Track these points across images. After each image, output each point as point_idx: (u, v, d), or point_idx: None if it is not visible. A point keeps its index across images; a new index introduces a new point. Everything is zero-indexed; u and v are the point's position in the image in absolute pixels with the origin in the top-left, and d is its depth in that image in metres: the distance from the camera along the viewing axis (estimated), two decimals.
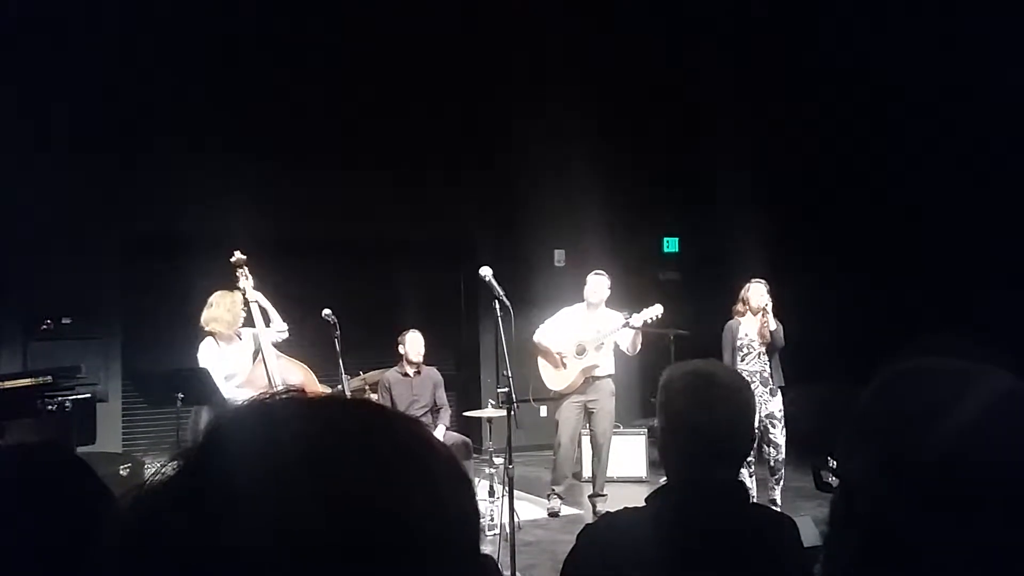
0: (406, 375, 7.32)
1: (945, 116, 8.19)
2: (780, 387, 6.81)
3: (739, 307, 6.93)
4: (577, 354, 7.12)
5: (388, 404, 6.96)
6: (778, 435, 6.75)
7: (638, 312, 7.09)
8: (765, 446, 6.75)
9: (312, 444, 0.59)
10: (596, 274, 7.26)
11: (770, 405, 6.73)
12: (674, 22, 10.30)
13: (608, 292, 7.25)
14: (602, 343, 7.07)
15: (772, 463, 6.79)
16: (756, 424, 6.54)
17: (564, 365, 7.13)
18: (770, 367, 6.79)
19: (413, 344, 7.30)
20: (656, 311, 7.06)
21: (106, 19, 8.25)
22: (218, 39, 8.59)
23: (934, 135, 8.32)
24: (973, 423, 0.87)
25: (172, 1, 8.55)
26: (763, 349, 6.79)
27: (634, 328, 7.06)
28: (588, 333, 7.11)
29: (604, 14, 10.08)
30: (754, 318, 6.84)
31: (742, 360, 6.77)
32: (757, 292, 6.83)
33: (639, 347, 7.25)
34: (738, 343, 6.83)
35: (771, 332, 6.71)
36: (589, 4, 10.12)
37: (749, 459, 6.56)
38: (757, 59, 9.94)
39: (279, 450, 0.58)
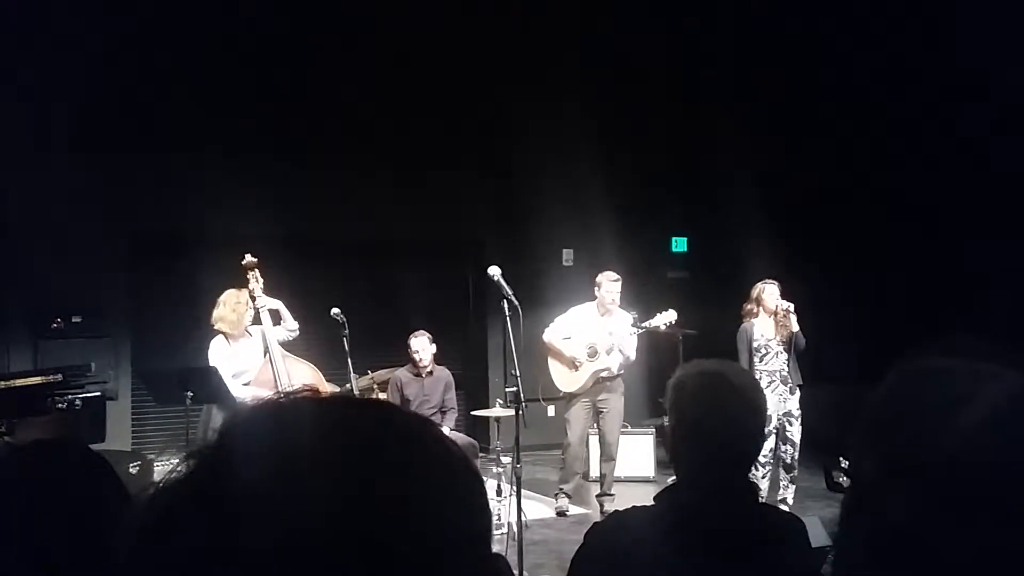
0: (418, 375, 7.32)
1: (952, 114, 8.17)
2: (799, 385, 6.82)
3: (751, 308, 6.91)
4: (589, 357, 7.11)
5: (399, 402, 6.97)
6: (795, 433, 6.77)
7: (651, 317, 7.10)
8: (782, 444, 6.75)
9: (326, 444, 0.59)
10: (611, 280, 7.16)
11: (788, 403, 6.74)
12: (680, 21, 10.28)
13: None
14: (613, 345, 7.06)
15: (788, 460, 6.80)
16: (775, 422, 6.60)
17: (576, 368, 7.12)
18: (788, 366, 6.79)
19: (418, 350, 7.25)
20: (670, 317, 7.05)
21: (112, 18, 8.27)
22: (226, 38, 8.62)
23: (943, 132, 8.29)
24: (984, 424, 0.87)
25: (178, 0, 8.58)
26: (781, 348, 6.79)
27: (645, 329, 7.08)
28: (601, 336, 7.09)
29: (610, 15, 10.08)
30: (768, 318, 6.83)
31: (761, 360, 6.77)
32: (771, 294, 6.82)
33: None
34: (755, 344, 6.82)
35: (794, 333, 6.71)
36: (594, 5, 10.11)
37: (764, 459, 6.57)
38: (765, 57, 9.92)
39: (293, 450, 0.58)
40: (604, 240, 9.81)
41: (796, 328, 6.71)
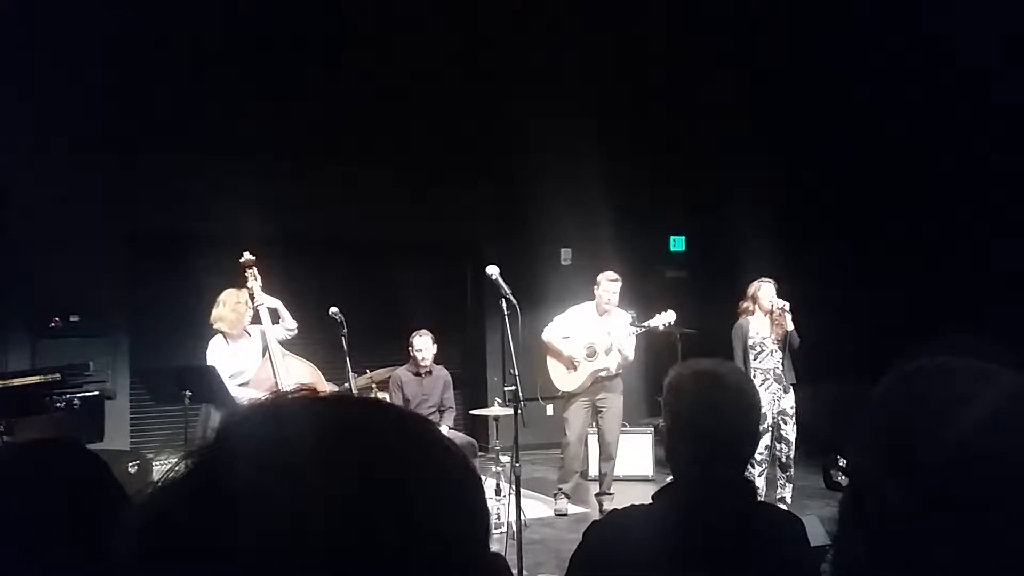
0: (418, 374, 7.33)
1: (951, 110, 8.17)
2: (792, 384, 6.83)
3: (748, 306, 6.92)
4: (588, 356, 7.11)
5: (399, 402, 6.98)
6: (790, 432, 6.77)
7: (649, 316, 7.12)
8: (777, 443, 6.75)
9: (325, 443, 0.59)
10: (611, 279, 7.15)
11: (783, 402, 6.75)
12: (679, 20, 10.28)
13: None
14: (612, 345, 7.06)
15: (784, 459, 6.80)
16: (769, 420, 6.60)
17: (575, 367, 7.13)
18: (783, 365, 6.80)
19: (421, 348, 7.29)
20: (669, 318, 7.08)
21: (112, 18, 8.26)
22: (226, 38, 8.61)
23: (940, 132, 8.29)
24: (983, 423, 0.87)
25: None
26: (776, 347, 6.79)
27: (644, 329, 7.10)
28: (600, 336, 7.09)
29: (610, 14, 10.07)
30: (764, 316, 6.84)
31: (755, 358, 6.78)
32: (767, 292, 6.83)
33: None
34: (750, 342, 6.83)
35: (788, 332, 6.71)
36: (593, 5, 10.11)
37: (760, 458, 6.57)
38: (764, 56, 9.92)
39: (292, 449, 0.58)
40: (603, 239, 9.82)
41: (791, 327, 6.72)
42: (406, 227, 9.76)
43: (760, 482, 6.63)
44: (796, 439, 6.82)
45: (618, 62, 10.26)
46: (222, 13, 8.49)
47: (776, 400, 6.72)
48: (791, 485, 6.89)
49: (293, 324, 6.04)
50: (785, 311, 6.72)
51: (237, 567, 0.54)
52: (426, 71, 9.60)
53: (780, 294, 6.87)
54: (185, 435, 5.84)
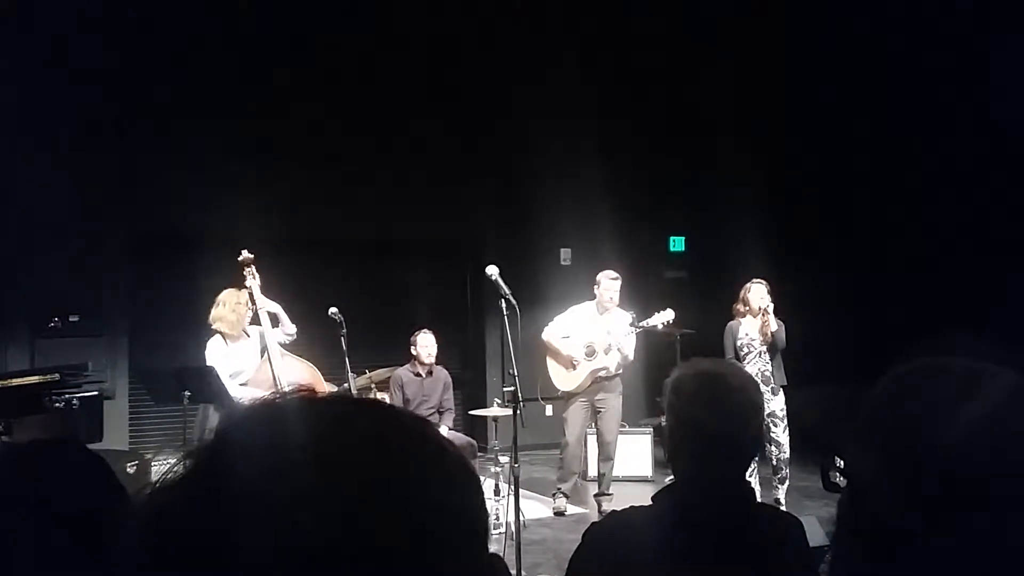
0: (418, 374, 7.33)
1: (950, 112, 8.17)
2: (782, 386, 6.82)
3: (739, 307, 6.93)
4: (587, 356, 7.11)
5: (400, 402, 6.98)
6: (780, 434, 6.76)
7: (649, 316, 7.11)
8: (767, 444, 6.75)
9: (323, 444, 0.59)
10: (611, 278, 7.16)
11: (772, 404, 6.73)
12: (680, 20, 10.28)
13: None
14: (611, 345, 7.06)
15: (775, 462, 6.80)
16: None
17: (574, 367, 7.13)
18: (772, 366, 6.79)
19: (425, 345, 7.29)
20: (667, 316, 7.07)
21: (112, 18, 8.26)
22: (226, 38, 8.61)
23: (938, 133, 8.29)
24: (981, 422, 0.87)
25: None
26: (764, 348, 6.79)
27: (643, 329, 7.10)
28: (599, 335, 7.09)
29: (610, 14, 10.07)
30: (754, 318, 6.84)
31: (743, 360, 6.77)
32: (757, 293, 6.83)
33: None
34: (739, 343, 6.84)
35: (772, 333, 6.71)
36: (594, 5, 10.11)
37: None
38: (761, 58, 9.92)
39: (291, 449, 0.58)
40: (602, 239, 9.81)
41: (774, 327, 6.72)
42: (406, 227, 9.75)
43: (754, 483, 6.63)
44: (790, 441, 6.81)
45: (618, 62, 10.26)
46: (222, 13, 8.48)
47: (765, 403, 6.69)
48: (785, 486, 6.88)
49: (292, 329, 6.02)
50: (768, 312, 6.71)
51: (236, 568, 0.54)
52: (426, 71, 9.60)
53: (778, 294, 6.86)
54: (184, 435, 5.84)
